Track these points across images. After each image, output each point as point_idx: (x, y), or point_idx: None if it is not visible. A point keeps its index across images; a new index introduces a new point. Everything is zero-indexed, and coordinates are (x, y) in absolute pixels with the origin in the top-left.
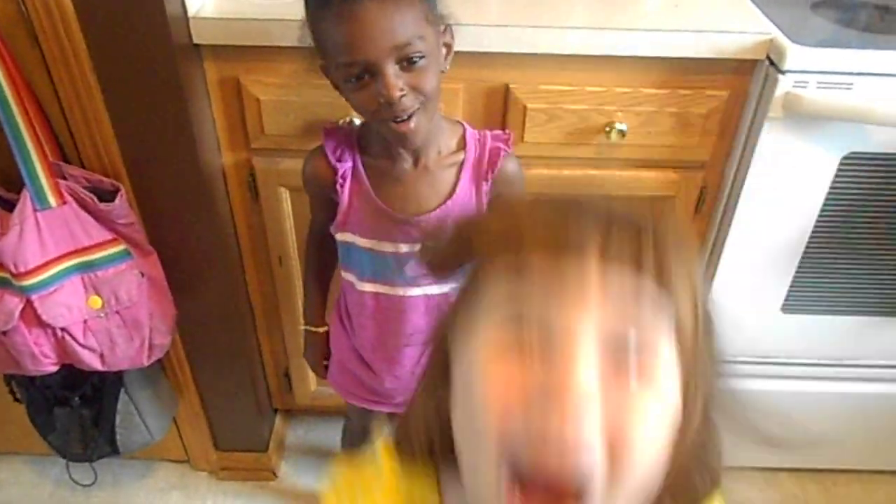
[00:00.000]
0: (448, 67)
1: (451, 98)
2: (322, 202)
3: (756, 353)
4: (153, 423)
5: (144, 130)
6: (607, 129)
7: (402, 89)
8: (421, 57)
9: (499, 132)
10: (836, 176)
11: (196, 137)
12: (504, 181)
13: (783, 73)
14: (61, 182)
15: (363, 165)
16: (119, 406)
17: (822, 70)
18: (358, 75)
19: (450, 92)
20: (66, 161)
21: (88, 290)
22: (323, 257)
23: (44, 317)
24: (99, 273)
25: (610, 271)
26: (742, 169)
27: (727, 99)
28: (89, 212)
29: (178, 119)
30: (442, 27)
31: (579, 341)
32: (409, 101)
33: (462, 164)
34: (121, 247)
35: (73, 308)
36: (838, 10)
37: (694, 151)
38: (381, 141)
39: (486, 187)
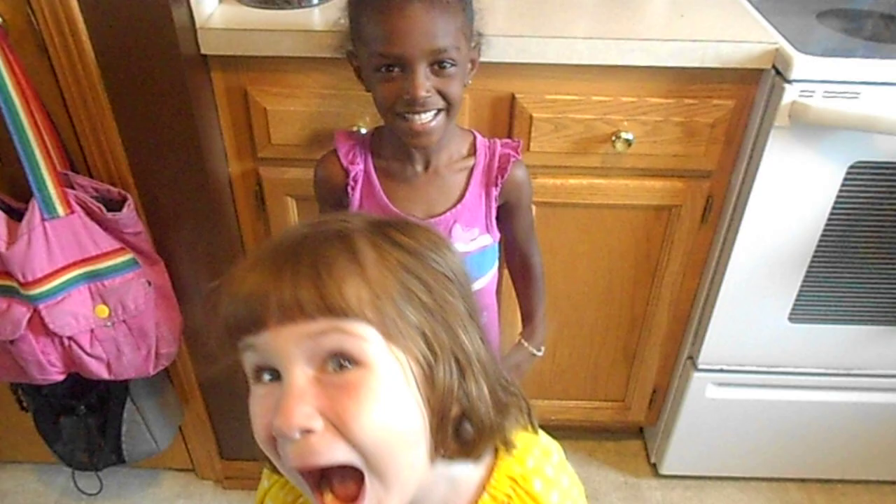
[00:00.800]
0: (471, 81)
1: None
2: (332, 206)
3: (764, 363)
4: (159, 432)
5: (152, 140)
6: (613, 138)
7: (428, 90)
8: (452, 65)
9: (508, 140)
10: (843, 185)
11: (203, 147)
12: (513, 187)
13: (789, 82)
14: (69, 191)
15: (374, 168)
16: (125, 415)
17: (828, 79)
18: (388, 66)
19: None
20: (75, 170)
21: (95, 300)
22: None
23: (51, 326)
24: (106, 282)
25: (288, 327)
26: (748, 178)
27: (733, 108)
28: (97, 221)
29: (185, 129)
30: (473, 43)
31: (287, 369)
32: (432, 102)
33: (472, 169)
34: (128, 256)
35: (80, 317)
36: (844, 19)
37: (700, 160)
38: (394, 143)
39: (495, 192)
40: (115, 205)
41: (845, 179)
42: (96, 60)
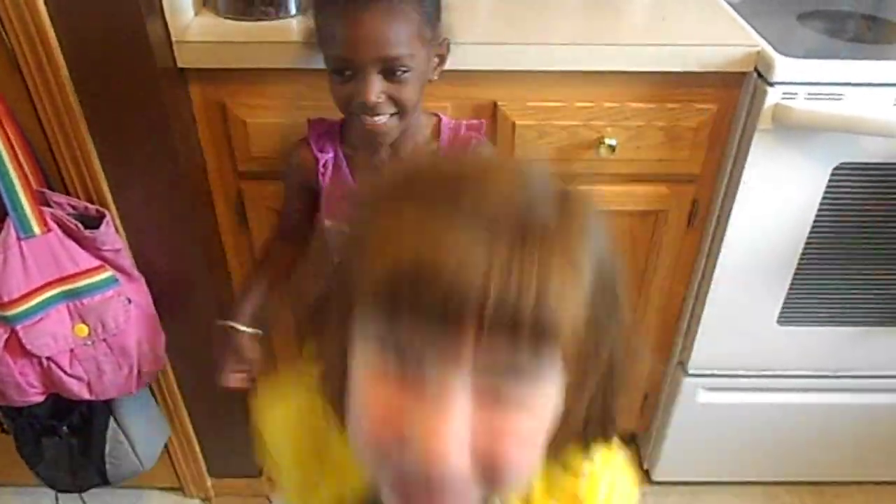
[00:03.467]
0: (437, 77)
1: None
2: (301, 192)
3: (753, 367)
4: (143, 451)
5: (129, 156)
6: (597, 144)
7: (379, 95)
8: (405, 71)
9: (473, 121)
10: (828, 186)
11: (181, 161)
12: None
13: (772, 84)
14: (45, 210)
15: (343, 155)
16: (108, 434)
17: (810, 81)
18: (342, 70)
19: (437, 110)
20: (51, 188)
21: (74, 319)
22: (283, 252)
23: (29, 346)
24: (85, 301)
25: (486, 342)
26: (733, 181)
27: (716, 112)
28: (75, 239)
29: (163, 143)
30: (440, 39)
31: (452, 392)
32: (384, 107)
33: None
34: (107, 273)
35: (58, 337)
36: (825, 20)
37: (684, 165)
38: (360, 133)
39: None
40: (92, 222)
41: (830, 181)
42: (70, 76)
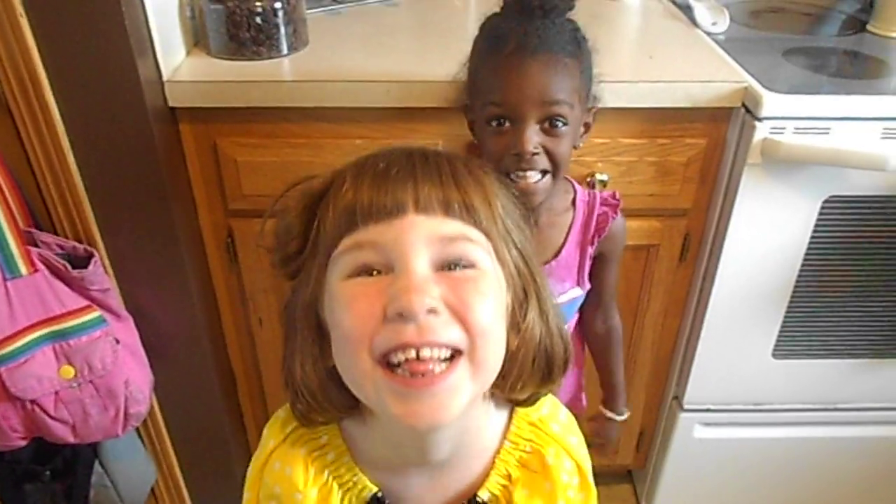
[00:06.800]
0: (581, 145)
1: None
2: None
3: (749, 401)
4: (129, 495)
5: (119, 195)
6: (588, 179)
7: (536, 146)
8: (564, 124)
9: (607, 195)
10: (819, 219)
11: (172, 200)
12: (608, 241)
13: (759, 119)
14: (32, 249)
15: None
16: (93, 479)
17: (798, 116)
18: (499, 119)
19: (429, 145)
20: (39, 227)
21: (60, 360)
22: None
23: (12, 389)
24: (72, 342)
25: (426, 219)
26: (724, 215)
27: (706, 147)
28: (62, 279)
29: (153, 182)
30: (589, 106)
31: (412, 259)
32: (539, 161)
33: (570, 226)
34: (95, 314)
35: (43, 379)
36: (809, 56)
37: (675, 199)
38: None
39: (590, 251)
40: (81, 261)
41: (820, 214)
42: (60, 115)
